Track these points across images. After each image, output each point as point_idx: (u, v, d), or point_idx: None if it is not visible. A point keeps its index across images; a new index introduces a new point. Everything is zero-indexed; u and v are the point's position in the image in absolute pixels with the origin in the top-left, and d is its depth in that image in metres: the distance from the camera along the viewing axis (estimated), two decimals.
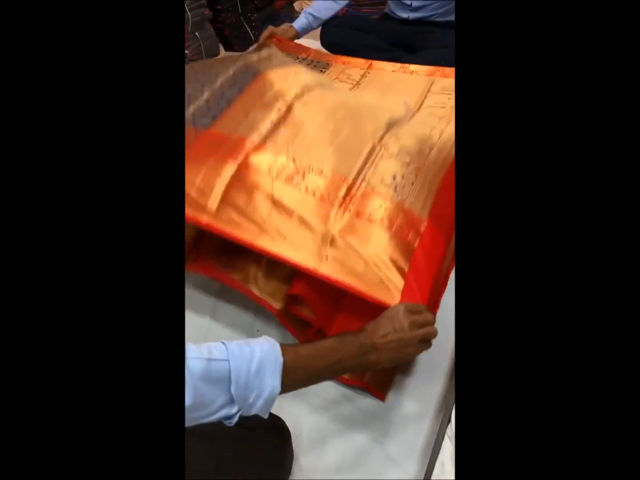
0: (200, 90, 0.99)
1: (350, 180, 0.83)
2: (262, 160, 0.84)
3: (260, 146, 0.87)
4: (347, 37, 1.78)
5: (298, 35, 1.76)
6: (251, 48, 2.32)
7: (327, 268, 0.73)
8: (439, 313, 0.91)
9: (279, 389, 0.53)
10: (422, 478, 0.71)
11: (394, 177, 0.83)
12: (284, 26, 1.77)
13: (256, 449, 0.63)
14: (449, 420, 0.77)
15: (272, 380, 0.52)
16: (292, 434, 0.68)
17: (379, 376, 0.82)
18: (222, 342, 0.52)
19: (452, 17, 1.79)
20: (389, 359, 0.62)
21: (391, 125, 0.92)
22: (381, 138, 0.90)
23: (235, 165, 0.83)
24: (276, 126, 0.91)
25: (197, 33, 2.13)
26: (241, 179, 0.82)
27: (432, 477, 0.71)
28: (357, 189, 0.82)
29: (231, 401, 0.50)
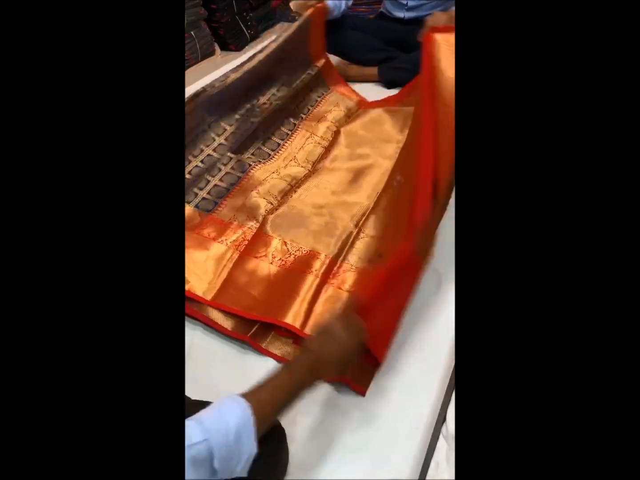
0: (205, 179, 1.23)
1: (331, 258, 1.03)
2: (260, 246, 1.05)
3: (258, 233, 1.08)
4: (344, 37, 1.78)
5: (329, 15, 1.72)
6: (247, 47, 2.33)
7: (309, 328, 0.89)
8: (435, 313, 0.92)
9: (255, 449, 0.55)
10: (417, 477, 0.71)
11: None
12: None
13: None
14: (444, 420, 0.77)
15: (249, 443, 0.55)
16: (287, 434, 0.69)
17: (359, 371, 0.83)
18: (197, 420, 0.53)
19: None
20: (333, 369, 0.67)
21: (362, 215, 1.14)
22: (357, 224, 1.12)
23: (237, 252, 1.04)
24: (269, 213, 1.13)
25: (192, 32, 2.12)
26: (242, 264, 1.01)
27: (427, 477, 0.71)
28: (338, 267, 1.01)
29: (213, 474, 0.52)
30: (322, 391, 0.81)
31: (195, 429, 0.52)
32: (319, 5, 1.66)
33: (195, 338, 0.91)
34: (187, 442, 0.50)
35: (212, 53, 2.26)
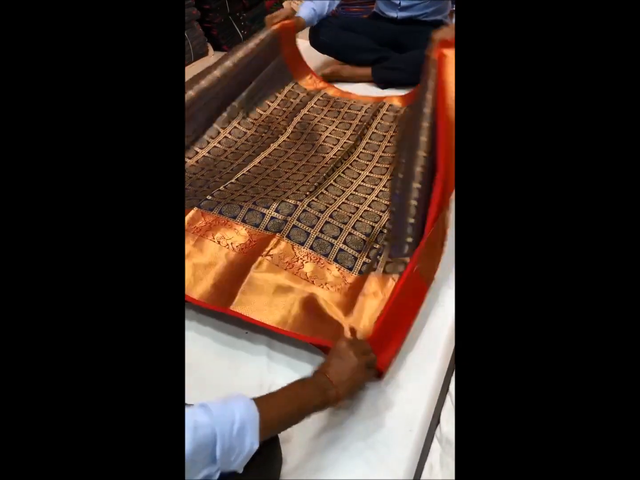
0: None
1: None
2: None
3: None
4: (337, 38, 1.77)
5: (304, 27, 1.71)
6: None
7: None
8: (428, 316, 0.92)
9: (257, 445, 0.56)
10: (412, 479, 0.71)
11: None
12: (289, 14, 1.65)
13: None
14: (438, 422, 0.77)
15: (252, 438, 0.56)
16: (280, 436, 0.68)
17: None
18: (203, 405, 0.55)
19: (440, 16, 1.79)
20: (346, 389, 0.69)
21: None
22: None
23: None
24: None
25: (185, 33, 2.11)
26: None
27: (421, 478, 0.71)
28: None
29: (213, 461, 0.53)
30: None
31: (202, 414, 0.53)
32: (285, 22, 1.61)
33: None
34: (192, 424, 0.51)
35: (205, 53, 2.25)
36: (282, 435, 0.68)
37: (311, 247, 1.00)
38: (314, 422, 0.77)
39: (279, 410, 0.62)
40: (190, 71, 2.07)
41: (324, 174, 1.19)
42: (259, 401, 0.60)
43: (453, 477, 0.67)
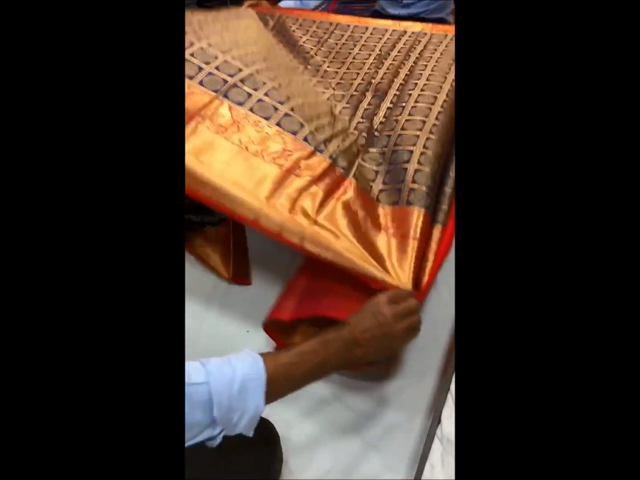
0: None
1: None
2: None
3: None
4: None
5: None
6: None
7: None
8: (430, 315, 0.91)
9: (262, 407, 0.52)
10: (412, 479, 0.71)
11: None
12: None
13: (244, 453, 0.62)
14: (439, 422, 0.76)
15: (256, 399, 0.51)
16: (281, 437, 0.68)
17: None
18: (200, 361, 0.51)
19: (442, 14, 1.79)
20: (375, 352, 0.60)
21: None
22: None
23: None
24: None
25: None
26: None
27: (422, 479, 0.71)
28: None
29: (213, 422, 0.49)
30: (316, 392, 0.81)
31: (198, 370, 0.49)
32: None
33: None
34: (186, 381, 0.46)
35: None
36: (282, 435, 0.68)
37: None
38: (314, 421, 0.77)
39: (291, 370, 0.55)
40: None
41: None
42: (269, 358, 0.53)
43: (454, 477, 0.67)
